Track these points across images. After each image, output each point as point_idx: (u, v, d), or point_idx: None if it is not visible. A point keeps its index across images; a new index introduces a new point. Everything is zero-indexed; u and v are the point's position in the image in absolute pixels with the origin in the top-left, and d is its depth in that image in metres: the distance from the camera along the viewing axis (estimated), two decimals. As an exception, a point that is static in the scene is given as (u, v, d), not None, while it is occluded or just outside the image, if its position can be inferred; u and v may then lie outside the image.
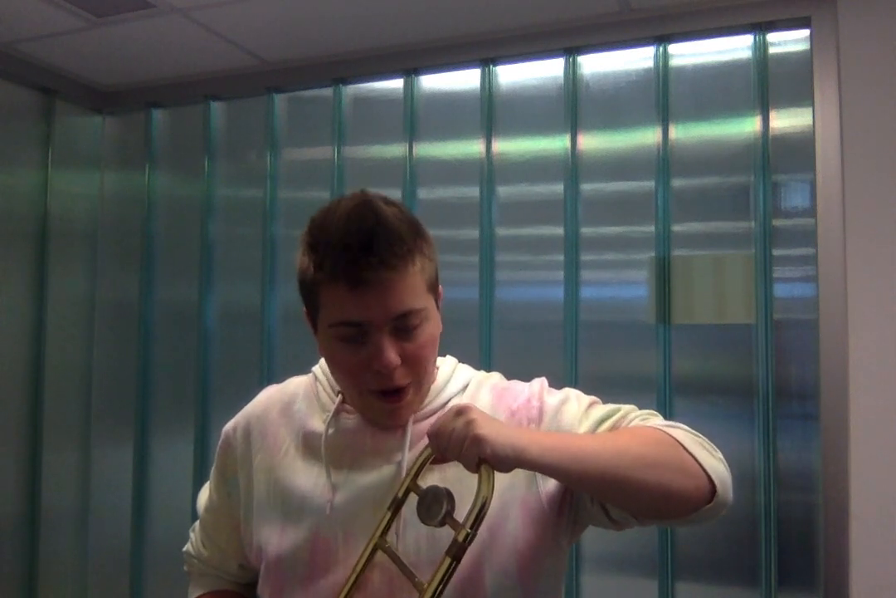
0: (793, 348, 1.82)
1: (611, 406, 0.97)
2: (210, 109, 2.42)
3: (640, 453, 0.84)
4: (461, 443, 0.78)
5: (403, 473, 0.90)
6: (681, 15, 1.92)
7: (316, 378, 1.03)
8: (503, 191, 2.09)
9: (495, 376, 1.04)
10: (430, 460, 0.87)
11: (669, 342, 1.90)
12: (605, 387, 1.95)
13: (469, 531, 0.76)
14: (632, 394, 1.91)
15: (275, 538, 0.94)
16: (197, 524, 1.12)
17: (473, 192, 2.10)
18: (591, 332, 1.97)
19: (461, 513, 0.79)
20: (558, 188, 2.02)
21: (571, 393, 0.98)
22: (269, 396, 1.07)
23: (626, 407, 0.97)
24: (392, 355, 0.86)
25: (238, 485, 1.02)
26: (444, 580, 0.77)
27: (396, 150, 2.19)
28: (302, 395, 1.02)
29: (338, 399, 0.98)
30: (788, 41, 1.87)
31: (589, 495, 0.91)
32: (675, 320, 1.90)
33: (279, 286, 2.31)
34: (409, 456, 0.92)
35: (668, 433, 0.90)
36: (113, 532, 2.43)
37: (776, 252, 1.84)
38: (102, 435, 2.48)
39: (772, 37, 1.88)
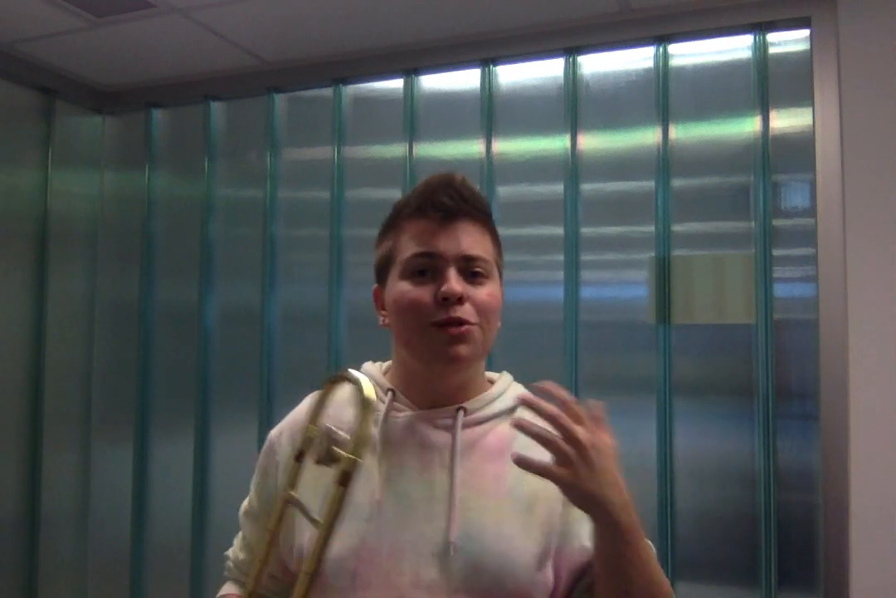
0: (793, 348, 1.82)
1: None
2: (210, 109, 2.42)
3: (664, 586, 0.88)
4: (594, 447, 0.81)
5: (455, 481, 0.92)
6: (681, 15, 1.92)
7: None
8: (503, 191, 2.09)
9: None
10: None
11: (669, 342, 1.90)
12: (605, 387, 1.95)
13: (348, 456, 0.80)
14: (632, 394, 1.91)
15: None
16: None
17: (473, 192, 2.09)
18: (591, 332, 1.97)
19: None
20: (558, 188, 2.02)
21: None
22: (313, 401, 1.06)
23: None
24: (457, 284, 0.92)
25: (277, 488, 1.00)
26: (337, 511, 0.80)
27: (396, 150, 2.19)
28: (347, 397, 1.01)
29: (388, 398, 0.99)
30: (788, 41, 1.87)
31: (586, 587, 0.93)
32: (675, 320, 1.90)
33: (279, 286, 2.31)
34: (460, 465, 0.93)
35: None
36: (113, 532, 2.43)
37: (776, 252, 1.84)
38: (102, 435, 2.48)
39: (772, 37, 1.88)
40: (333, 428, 0.85)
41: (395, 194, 2.17)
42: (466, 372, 0.98)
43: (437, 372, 0.97)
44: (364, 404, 0.82)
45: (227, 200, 2.41)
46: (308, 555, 0.84)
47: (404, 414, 0.98)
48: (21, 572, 2.26)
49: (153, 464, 2.41)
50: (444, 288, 0.92)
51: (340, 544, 0.90)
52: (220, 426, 2.33)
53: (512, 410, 1.00)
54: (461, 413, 0.97)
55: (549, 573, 0.91)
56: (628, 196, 1.98)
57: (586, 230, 2.00)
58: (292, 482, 0.89)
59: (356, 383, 0.85)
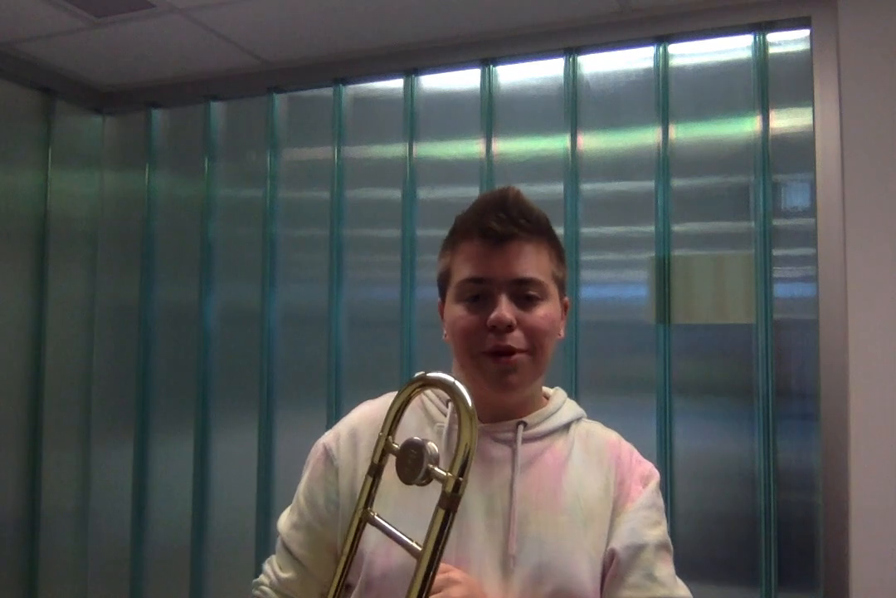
0: (793, 348, 1.82)
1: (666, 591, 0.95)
2: (210, 109, 2.42)
3: None
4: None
5: (514, 495, 0.92)
6: (681, 15, 1.92)
7: (424, 394, 1.05)
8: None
9: (615, 434, 1.06)
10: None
11: (669, 342, 1.90)
12: (605, 387, 1.95)
13: (457, 477, 0.71)
14: (632, 394, 1.91)
15: (382, 551, 0.93)
16: (274, 556, 1.07)
17: (473, 192, 2.09)
18: (591, 332, 1.97)
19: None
20: (558, 188, 2.02)
21: (664, 524, 1.01)
22: (373, 408, 1.06)
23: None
24: (506, 312, 0.93)
25: (339, 496, 0.99)
26: (441, 537, 0.71)
27: (396, 150, 2.19)
28: (409, 412, 1.00)
29: (449, 410, 1.00)
30: (788, 41, 1.87)
31: None
32: (675, 320, 1.90)
33: (279, 286, 2.31)
34: (520, 479, 0.94)
35: None
36: (113, 532, 2.43)
37: (776, 252, 1.84)
38: (102, 435, 2.48)
39: (772, 37, 1.88)
40: (429, 444, 0.76)
41: (395, 194, 2.18)
42: (522, 393, 0.99)
43: (493, 394, 0.97)
44: (469, 413, 0.73)
45: (227, 200, 2.41)
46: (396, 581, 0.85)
47: None
48: (21, 572, 2.26)
49: (153, 464, 2.41)
50: (492, 316, 0.93)
51: (405, 553, 0.90)
52: (220, 426, 2.33)
53: (566, 426, 1.02)
54: (521, 428, 0.98)
55: (597, 590, 0.93)
56: (628, 196, 1.98)
57: (586, 230, 2.00)
58: (369, 499, 0.82)
59: (453, 388, 0.76)
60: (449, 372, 0.83)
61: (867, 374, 1.71)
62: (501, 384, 0.95)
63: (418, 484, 0.74)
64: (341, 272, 2.22)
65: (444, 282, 1.03)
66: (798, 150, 1.82)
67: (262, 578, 1.06)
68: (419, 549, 0.72)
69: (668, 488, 1.85)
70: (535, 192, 2.06)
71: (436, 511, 0.71)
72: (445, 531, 0.71)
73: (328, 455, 1.02)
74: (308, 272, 2.27)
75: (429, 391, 1.04)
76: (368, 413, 1.05)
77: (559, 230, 1.99)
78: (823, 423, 1.72)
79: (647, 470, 1.02)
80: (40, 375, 2.32)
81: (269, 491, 2.20)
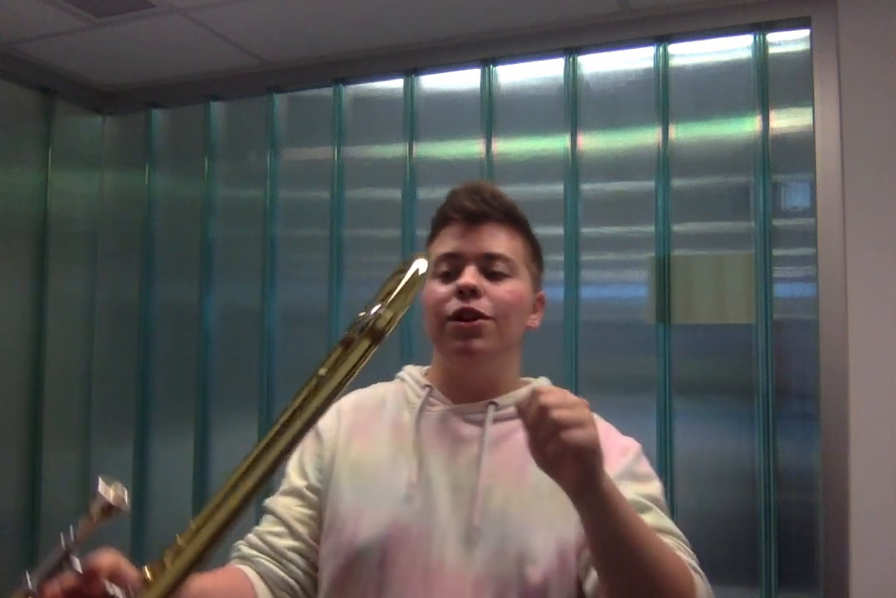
0: (793, 348, 1.82)
1: (660, 515, 0.94)
2: (210, 109, 2.42)
3: (668, 565, 0.82)
4: (570, 424, 0.75)
5: (480, 471, 0.96)
6: (681, 15, 1.92)
7: (403, 380, 1.10)
8: (503, 191, 2.08)
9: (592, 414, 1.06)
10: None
11: (669, 342, 1.90)
12: (605, 387, 1.95)
13: (384, 312, 0.69)
14: (632, 394, 1.91)
15: (351, 520, 0.97)
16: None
17: (473, 192, 2.09)
18: (591, 332, 1.97)
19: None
20: (558, 188, 2.02)
21: (654, 482, 0.99)
22: (359, 394, 1.11)
23: (675, 534, 0.94)
24: (471, 278, 0.98)
25: (325, 465, 1.04)
26: (356, 366, 0.68)
27: (396, 150, 2.19)
28: (391, 396, 1.08)
29: (424, 393, 1.04)
30: (788, 41, 1.86)
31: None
32: (675, 319, 1.90)
33: (279, 286, 2.31)
34: (487, 456, 0.97)
35: (694, 577, 0.87)
36: (113, 532, 2.42)
37: (776, 252, 1.84)
38: (102, 435, 2.48)
39: (772, 37, 1.88)
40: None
41: (396, 194, 2.17)
42: (490, 366, 1.02)
43: (460, 366, 1.01)
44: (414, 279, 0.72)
45: (227, 200, 2.41)
46: None
47: (438, 408, 1.03)
48: (21, 572, 2.25)
49: (153, 464, 2.40)
50: (459, 281, 0.98)
51: (374, 521, 0.95)
52: (220, 426, 2.33)
53: None
54: (492, 408, 1.01)
55: (569, 560, 0.93)
56: (628, 196, 1.98)
57: (586, 230, 2.00)
58: (332, 365, 0.71)
59: (425, 257, 0.75)
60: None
61: (867, 374, 1.71)
62: (465, 350, 0.98)
63: (358, 333, 0.69)
64: (341, 272, 2.22)
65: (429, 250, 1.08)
66: (798, 150, 1.82)
67: (239, 542, 1.06)
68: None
69: (668, 488, 1.85)
70: (535, 192, 2.06)
71: (358, 340, 0.69)
72: (361, 361, 0.68)
73: (316, 432, 1.06)
74: (308, 272, 2.27)
75: (410, 380, 1.08)
76: (353, 398, 1.10)
77: (559, 230, 2.02)
78: (823, 423, 1.72)
79: (627, 443, 1.02)
80: (40, 375, 2.32)
81: (268, 491, 2.20)
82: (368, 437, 1.03)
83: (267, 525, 1.03)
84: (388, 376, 1.13)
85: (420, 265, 0.74)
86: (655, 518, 0.92)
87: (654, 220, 1.93)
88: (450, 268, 1.02)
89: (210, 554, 0.67)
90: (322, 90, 2.30)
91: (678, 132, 1.94)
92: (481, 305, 0.98)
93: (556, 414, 0.75)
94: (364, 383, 1.06)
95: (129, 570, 0.73)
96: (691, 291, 1.90)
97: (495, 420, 1.00)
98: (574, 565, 0.93)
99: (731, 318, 1.87)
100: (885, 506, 1.67)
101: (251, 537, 1.03)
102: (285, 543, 1.00)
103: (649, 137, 1.96)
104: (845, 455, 1.69)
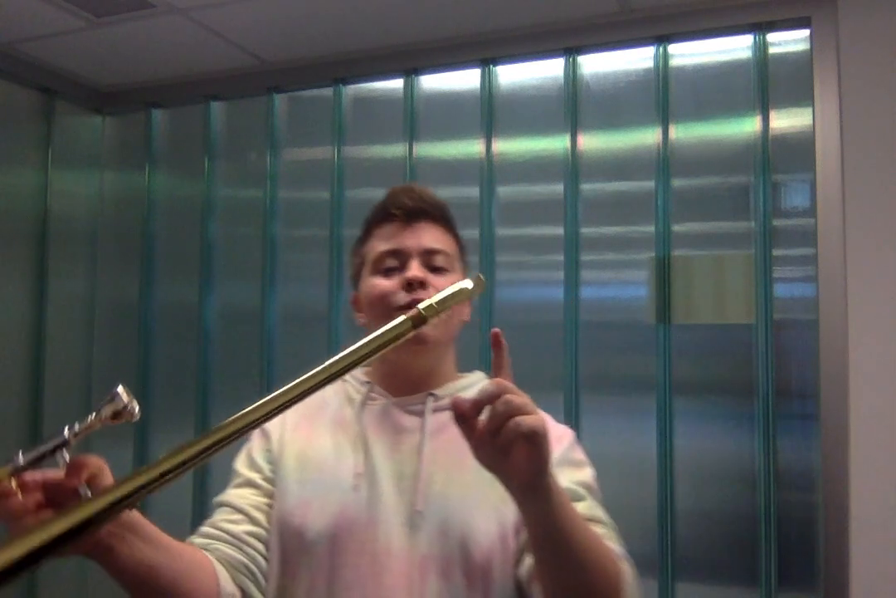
0: (793, 348, 1.82)
1: (595, 505, 0.99)
2: (210, 109, 2.42)
3: (600, 555, 0.86)
4: (523, 410, 0.75)
5: (422, 458, 1.00)
6: (681, 15, 1.92)
7: (344, 379, 1.12)
8: (503, 191, 2.09)
9: None
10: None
11: (669, 342, 1.90)
12: (605, 387, 1.95)
13: (434, 305, 0.82)
14: (632, 394, 1.91)
15: (299, 511, 0.99)
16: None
17: (473, 192, 2.09)
18: (591, 332, 1.97)
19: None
20: (558, 188, 2.02)
21: (587, 469, 1.03)
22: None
23: (605, 523, 0.98)
24: (419, 271, 1.04)
25: (274, 458, 1.06)
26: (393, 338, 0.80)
27: (396, 150, 2.19)
28: (332, 394, 1.12)
29: (364, 389, 1.09)
30: (788, 41, 1.86)
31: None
32: (675, 319, 1.90)
33: (279, 286, 2.31)
34: (428, 444, 1.01)
35: (621, 565, 0.91)
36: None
37: (776, 252, 1.84)
38: (102, 435, 2.47)
39: (772, 37, 1.88)
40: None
41: (395, 194, 2.17)
42: (432, 356, 1.06)
43: (405, 355, 1.03)
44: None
45: (227, 200, 2.41)
46: None
47: (379, 402, 1.07)
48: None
49: (153, 464, 2.40)
50: (407, 274, 1.03)
51: (323, 511, 0.98)
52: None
53: None
54: (430, 399, 1.06)
55: (509, 539, 0.97)
56: (628, 196, 1.98)
57: (586, 230, 2.00)
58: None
59: (477, 280, 0.88)
60: None
61: (867, 374, 1.71)
62: (417, 336, 0.97)
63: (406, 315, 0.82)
64: (341, 272, 2.22)
65: (358, 270, 1.12)
66: (798, 150, 1.82)
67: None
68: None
69: (668, 488, 1.85)
70: (535, 192, 2.06)
71: (401, 320, 0.81)
72: (397, 339, 0.80)
73: (263, 430, 1.09)
74: (308, 272, 2.27)
75: (351, 379, 1.11)
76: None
77: (559, 230, 2.02)
78: (823, 423, 1.72)
79: (561, 431, 1.06)
80: (40, 375, 2.32)
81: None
82: (313, 431, 1.07)
83: (222, 515, 1.04)
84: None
85: (471, 284, 0.86)
86: (589, 508, 0.97)
87: (654, 220, 1.93)
88: (393, 263, 1.06)
89: (166, 480, 0.71)
90: (322, 90, 2.30)
91: (678, 132, 1.94)
92: (429, 295, 0.99)
93: (502, 405, 0.76)
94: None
95: (109, 478, 0.76)
96: (691, 292, 1.90)
97: (434, 410, 1.05)
98: (513, 545, 0.97)
99: (731, 318, 1.87)
100: (885, 506, 1.67)
101: (205, 529, 1.03)
102: (242, 528, 1.01)
103: (649, 137, 1.96)
104: (845, 455, 1.69)
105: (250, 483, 1.06)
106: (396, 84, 2.22)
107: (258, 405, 0.78)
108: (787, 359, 1.81)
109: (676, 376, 1.88)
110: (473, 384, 1.09)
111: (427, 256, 1.07)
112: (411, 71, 2.19)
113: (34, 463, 0.73)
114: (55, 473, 0.74)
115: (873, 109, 1.75)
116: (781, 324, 1.82)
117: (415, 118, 2.19)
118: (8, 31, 2.11)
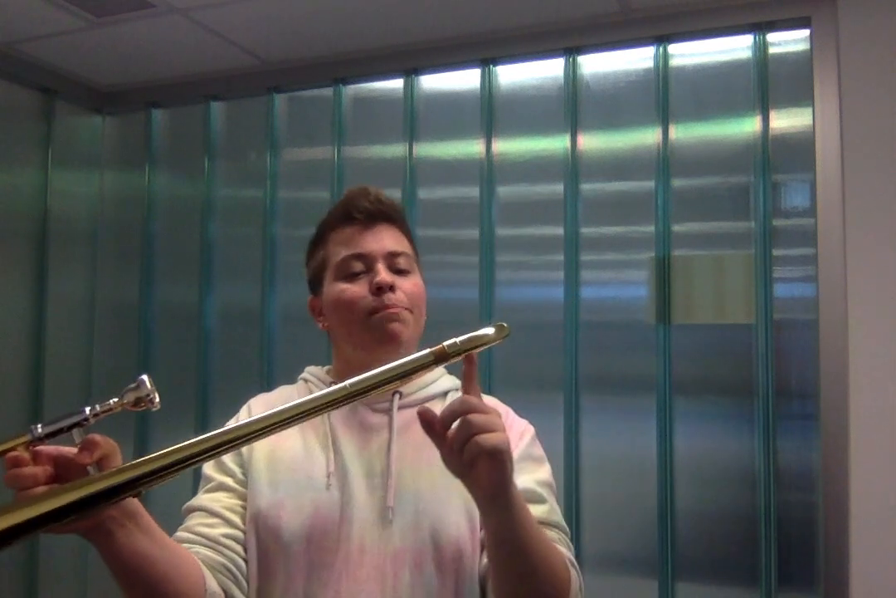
0: (793, 348, 1.82)
1: (553, 508, 1.02)
2: (210, 109, 2.42)
3: (552, 562, 0.90)
4: (486, 429, 0.79)
5: (391, 455, 1.01)
6: (681, 15, 1.92)
7: (307, 380, 1.15)
8: (503, 191, 2.09)
9: (492, 399, 1.12)
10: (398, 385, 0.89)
11: (669, 342, 1.90)
12: (605, 387, 1.95)
13: (457, 342, 0.83)
14: (632, 394, 1.91)
15: (274, 511, 1.00)
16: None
17: (473, 192, 2.10)
18: (591, 332, 1.97)
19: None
20: (558, 188, 2.02)
21: (546, 465, 1.07)
22: (267, 397, 1.16)
23: (560, 527, 1.02)
24: (388, 275, 1.05)
25: (244, 460, 1.07)
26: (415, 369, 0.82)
27: (396, 150, 2.19)
28: (297, 395, 1.10)
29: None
30: (788, 41, 1.87)
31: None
32: (675, 320, 1.90)
33: (279, 286, 2.31)
34: (396, 441, 1.03)
35: (570, 571, 0.95)
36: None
37: (776, 252, 1.84)
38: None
39: (772, 37, 1.88)
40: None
41: (395, 194, 2.17)
42: (400, 355, 1.04)
43: (376, 357, 1.02)
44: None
45: (227, 200, 2.40)
46: None
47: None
48: (21, 572, 2.26)
49: (153, 464, 2.40)
50: (377, 279, 1.04)
51: (298, 510, 0.99)
52: (219, 426, 2.33)
53: (444, 394, 1.10)
54: (396, 397, 1.07)
55: (477, 531, 1.00)
56: (628, 196, 1.98)
57: (586, 230, 2.00)
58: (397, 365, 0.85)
59: (500, 328, 0.88)
60: None
61: (867, 374, 1.71)
62: (391, 334, 1.04)
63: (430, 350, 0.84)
64: (341, 272, 2.22)
65: (318, 274, 1.12)
66: (798, 150, 1.82)
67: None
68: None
69: (668, 488, 1.85)
70: (535, 192, 2.06)
71: (424, 353, 0.83)
72: (418, 370, 0.83)
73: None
74: (308, 272, 2.27)
75: (314, 379, 1.13)
76: (263, 399, 1.15)
77: (559, 230, 2.02)
78: (823, 423, 1.72)
79: (524, 426, 1.09)
80: (40, 375, 2.32)
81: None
82: (281, 433, 1.05)
83: (196, 519, 1.04)
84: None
85: (493, 331, 0.87)
86: (547, 512, 1.00)
87: (654, 220, 1.93)
88: (359, 267, 1.07)
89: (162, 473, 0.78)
90: (322, 90, 2.30)
91: (678, 132, 1.94)
92: (398, 298, 1.05)
93: (470, 421, 0.80)
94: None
95: (118, 461, 0.81)
96: (691, 292, 1.90)
97: (400, 408, 1.06)
98: (480, 538, 0.99)
99: (731, 318, 1.87)
100: (885, 506, 1.67)
101: (181, 534, 1.03)
102: (219, 531, 1.01)
103: (649, 137, 1.96)
104: (845, 455, 1.70)
105: (223, 487, 1.06)
106: (396, 84, 2.22)
107: (274, 413, 0.83)
108: (787, 359, 1.81)
109: (676, 376, 1.88)
110: (436, 379, 1.11)
111: (391, 259, 1.08)
112: (411, 71, 2.19)
113: (51, 436, 0.76)
114: (69, 449, 0.77)
115: (873, 109, 1.75)
116: (781, 324, 1.82)
117: (415, 118, 2.19)
118: (8, 31, 2.11)
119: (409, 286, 1.08)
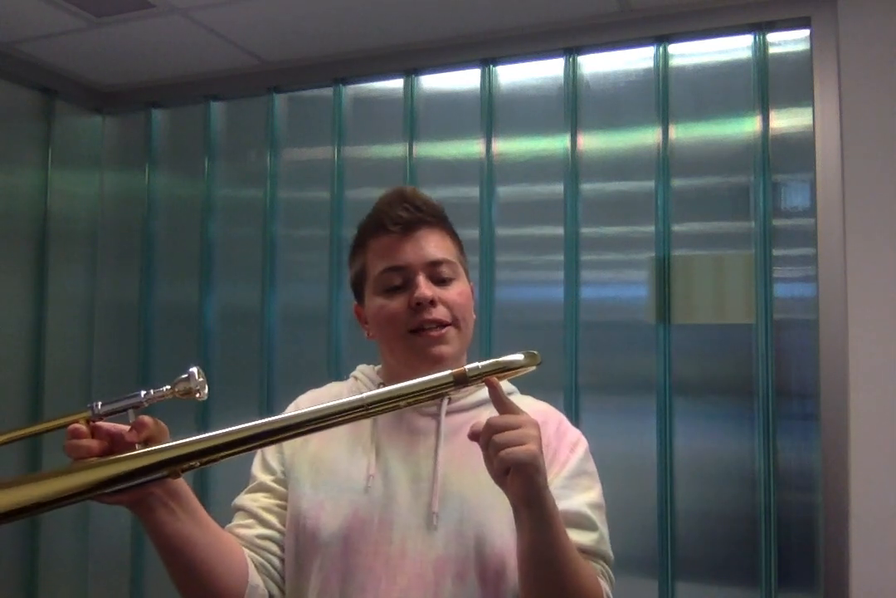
0: (793, 348, 1.82)
1: (602, 536, 1.01)
2: (210, 109, 2.42)
3: (582, 579, 0.90)
4: (511, 444, 0.82)
5: (437, 460, 1.00)
6: (681, 15, 1.92)
7: (357, 379, 1.13)
8: (503, 191, 2.09)
9: (544, 404, 1.12)
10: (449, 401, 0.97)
11: (669, 342, 1.90)
12: (605, 387, 1.95)
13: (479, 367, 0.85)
14: (632, 394, 1.91)
15: (313, 513, 1.00)
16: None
17: (473, 192, 2.10)
18: (591, 332, 1.97)
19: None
20: (558, 188, 2.02)
21: (598, 483, 1.05)
22: (316, 393, 1.15)
23: (607, 558, 1.02)
24: (427, 289, 1.01)
25: (287, 461, 1.07)
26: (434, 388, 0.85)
27: (396, 150, 2.19)
28: (346, 393, 1.10)
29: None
30: (788, 41, 1.86)
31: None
32: (675, 320, 1.90)
33: (279, 286, 2.31)
34: (444, 446, 1.01)
35: (601, 587, 0.96)
36: (113, 532, 2.43)
37: (776, 252, 1.84)
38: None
39: (772, 37, 1.88)
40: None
41: (395, 194, 2.17)
42: (452, 366, 1.04)
43: (420, 374, 1.01)
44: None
45: (227, 200, 2.40)
46: None
47: None
48: (21, 572, 2.26)
49: (153, 464, 2.40)
50: (416, 294, 1.01)
51: (335, 512, 0.98)
52: (219, 426, 2.32)
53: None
54: (445, 402, 1.05)
55: None
56: (628, 196, 1.98)
57: (586, 230, 2.00)
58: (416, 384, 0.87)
59: (531, 356, 0.88)
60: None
61: (867, 374, 1.71)
62: (434, 357, 1.01)
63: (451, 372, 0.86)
64: (341, 272, 2.21)
65: (360, 283, 1.10)
66: (798, 150, 1.82)
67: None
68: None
69: (668, 488, 1.85)
70: (535, 192, 2.06)
71: (444, 374, 0.86)
72: (437, 389, 0.85)
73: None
74: (308, 272, 2.27)
75: (364, 378, 1.12)
76: (311, 396, 1.14)
77: (559, 230, 2.02)
78: (823, 423, 1.72)
79: (576, 437, 1.07)
80: (40, 375, 2.32)
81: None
82: (326, 433, 1.06)
83: (236, 521, 1.06)
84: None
85: (518, 358, 0.87)
86: (596, 541, 0.99)
87: (654, 220, 1.93)
88: (397, 281, 1.03)
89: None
90: (322, 90, 2.30)
91: (678, 132, 1.94)
92: (440, 313, 1.02)
93: (497, 438, 0.83)
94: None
95: (164, 442, 0.87)
96: (691, 292, 1.90)
97: (448, 413, 1.04)
98: None
99: (731, 318, 1.87)
100: (885, 506, 1.67)
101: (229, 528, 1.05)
102: (255, 532, 1.03)
103: (649, 137, 1.96)
104: (845, 455, 1.69)
105: (263, 487, 1.07)
106: (396, 84, 2.22)
107: (298, 414, 0.85)
108: (787, 359, 1.81)
109: (676, 376, 1.88)
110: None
111: (431, 269, 1.04)
112: (411, 71, 2.19)
113: (109, 415, 0.90)
114: (124, 427, 0.89)
115: (873, 109, 1.75)
116: (781, 324, 1.82)
117: (415, 118, 2.19)
118: (8, 31, 2.11)
119: (452, 297, 1.04)
